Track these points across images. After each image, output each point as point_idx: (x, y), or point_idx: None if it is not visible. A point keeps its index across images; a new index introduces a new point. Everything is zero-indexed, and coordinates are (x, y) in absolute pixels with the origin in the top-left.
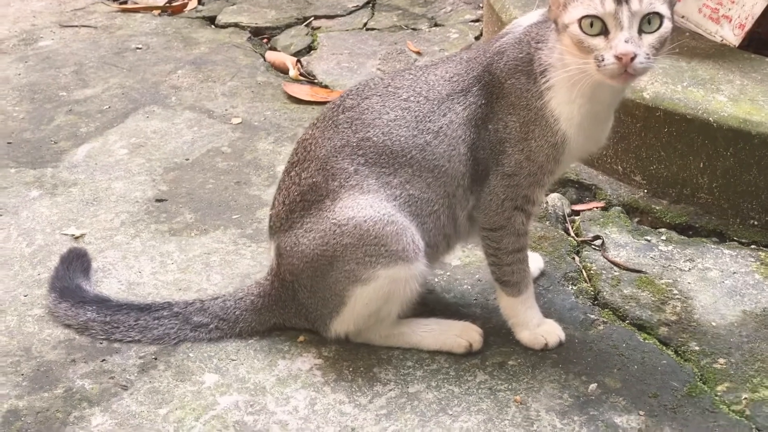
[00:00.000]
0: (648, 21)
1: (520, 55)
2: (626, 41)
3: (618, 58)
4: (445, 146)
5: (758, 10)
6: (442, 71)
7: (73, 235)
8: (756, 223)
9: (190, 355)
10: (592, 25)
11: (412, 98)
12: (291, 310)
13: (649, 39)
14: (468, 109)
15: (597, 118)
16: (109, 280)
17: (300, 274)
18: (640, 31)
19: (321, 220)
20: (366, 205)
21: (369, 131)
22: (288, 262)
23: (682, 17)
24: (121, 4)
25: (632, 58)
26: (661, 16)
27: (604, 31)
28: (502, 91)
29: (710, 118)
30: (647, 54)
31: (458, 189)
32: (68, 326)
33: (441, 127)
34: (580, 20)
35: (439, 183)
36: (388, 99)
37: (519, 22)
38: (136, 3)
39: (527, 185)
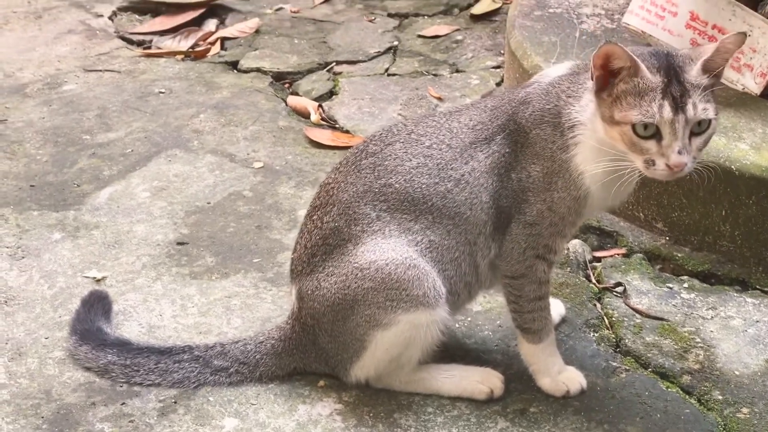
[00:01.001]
0: (698, 123)
1: (548, 107)
2: (679, 152)
3: (670, 167)
4: (466, 194)
5: None
6: (466, 119)
7: (95, 277)
8: None
9: (210, 399)
10: (645, 128)
11: (434, 146)
12: (311, 355)
13: (698, 141)
14: (491, 158)
15: (621, 178)
16: (130, 323)
17: (321, 318)
18: (691, 134)
19: (343, 264)
20: (388, 249)
21: (391, 177)
22: (309, 306)
23: None
24: (144, 49)
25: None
26: (710, 119)
27: (657, 135)
28: (527, 140)
29: (732, 166)
30: (695, 158)
31: (479, 237)
32: (89, 369)
33: (463, 175)
34: (634, 124)
35: (460, 230)
36: (410, 146)
37: (547, 72)
38: (159, 48)
39: (548, 235)
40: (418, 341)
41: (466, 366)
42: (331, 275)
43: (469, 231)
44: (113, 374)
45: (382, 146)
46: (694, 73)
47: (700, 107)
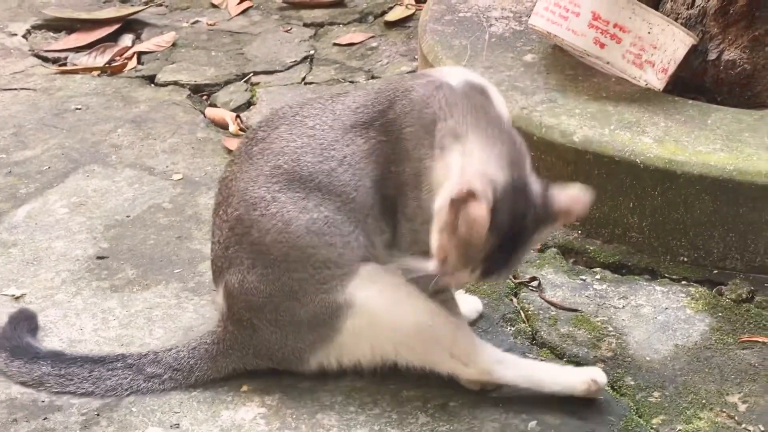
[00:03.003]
0: None
1: (426, 110)
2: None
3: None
4: (350, 175)
5: (680, 55)
6: (350, 101)
7: (14, 295)
8: (685, 259)
9: (133, 409)
10: None
11: (318, 126)
12: (249, 351)
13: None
14: (368, 144)
15: None
16: (51, 339)
17: (260, 309)
18: None
19: (255, 252)
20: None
21: (279, 159)
22: (242, 299)
23: (608, 63)
24: (60, 66)
25: None
26: None
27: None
28: (401, 134)
29: (637, 159)
30: None
31: (368, 217)
32: (23, 383)
33: (345, 157)
34: None
35: (349, 209)
36: (295, 127)
37: (441, 71)
38: (75, 65)
39: (426, 232)
40: None
41: None
42: (253, 267)
43: (357, 210)
44: (48, 385)
45: (269, 131)
46: (534, 239)
47: (513, 268)
